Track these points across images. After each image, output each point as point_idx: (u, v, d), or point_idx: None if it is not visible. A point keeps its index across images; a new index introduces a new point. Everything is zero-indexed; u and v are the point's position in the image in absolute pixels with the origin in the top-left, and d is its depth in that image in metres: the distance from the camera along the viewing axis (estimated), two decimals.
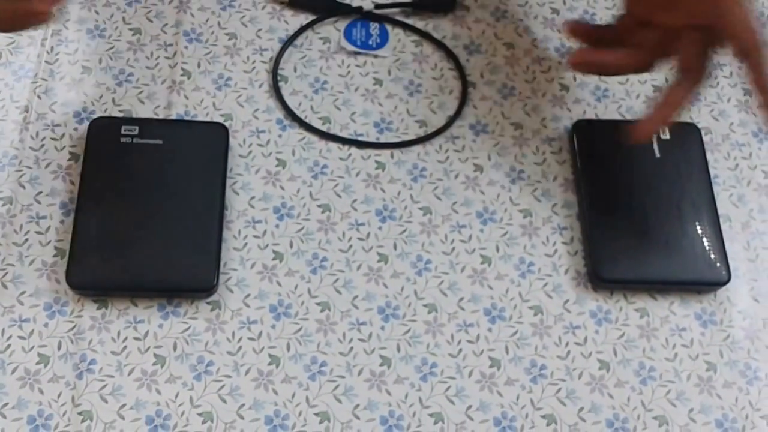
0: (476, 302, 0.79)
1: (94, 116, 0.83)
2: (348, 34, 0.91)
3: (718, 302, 0.81)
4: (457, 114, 0.88)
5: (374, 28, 0.91)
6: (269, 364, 0.76)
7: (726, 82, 0.93)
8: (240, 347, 0.76)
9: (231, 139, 0.84)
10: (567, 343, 0.79)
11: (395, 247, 0.81)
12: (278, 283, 0.79)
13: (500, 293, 0.80)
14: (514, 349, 0.78)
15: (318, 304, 0.78)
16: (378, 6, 0.93)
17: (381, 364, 0.76)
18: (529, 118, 0.89)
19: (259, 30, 0.90)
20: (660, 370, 0.78)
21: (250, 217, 0.81)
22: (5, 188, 0.81)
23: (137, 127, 0.80)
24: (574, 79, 0.91)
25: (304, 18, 0.92)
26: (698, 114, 0.90)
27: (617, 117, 0.90)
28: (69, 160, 0.82)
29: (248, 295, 0.79)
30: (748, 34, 0.71)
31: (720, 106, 0.91)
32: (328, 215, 0.82)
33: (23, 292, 0.77)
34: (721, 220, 0.83)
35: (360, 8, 0.92)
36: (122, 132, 0.80)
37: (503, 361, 0.78)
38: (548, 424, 0.75)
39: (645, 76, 0.91)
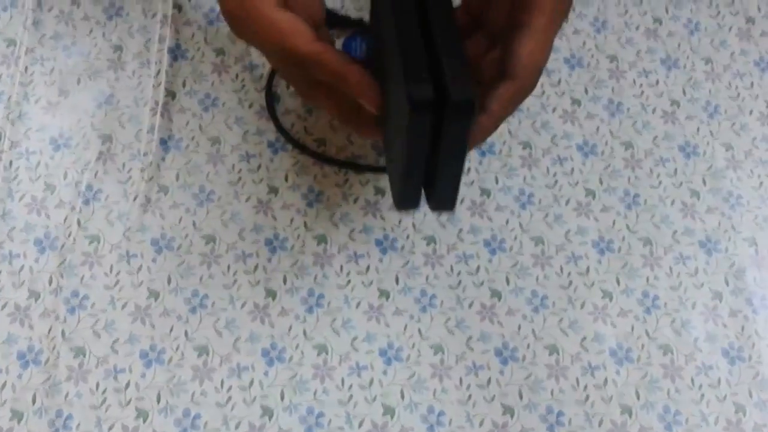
0: (486, 341, 0.73)
1: (72, 142, 0.77)
2: (347, 49, 0.84)
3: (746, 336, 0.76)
4: None
5: None
6: (261, 416, 0.70)
7: (747, 94, 0.86)
8: (229, 398, 0.71)
9: (219, 164, 0.78)
10: (585, 386, 0.73)
11: (397, 281, 0.75)
12: (270, 324, 0.73)
13: (512, 331, 0.74)
14: (529, 395, 0.72)
15: (314, 347, 0.73)
16: None
17: (384, 414, 0.71)
18: (539, 136, 0.82)
19: (250, 45, 0.84)
20: (686, 414, 0.73)
21: (240, 251, 0.75)
22: None
23: None
24: (586, 92, 0.85)
25: None
26: (718, 129, 0.84)
27: (632, 132, 0.83)
28: (44, 190, 0.75)
29: (239, 339, 0.73)
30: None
31: (741, 119, 0.85)
32: (324, 247, 0.76)
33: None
34: (747, 245, 0.78)
35: (360, 20, 0.85)
36: None
37: (517, 408, 0.72)
38: None
39: (661, 87, 0.85)
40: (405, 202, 0.61)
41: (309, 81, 0.64)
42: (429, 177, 0.58)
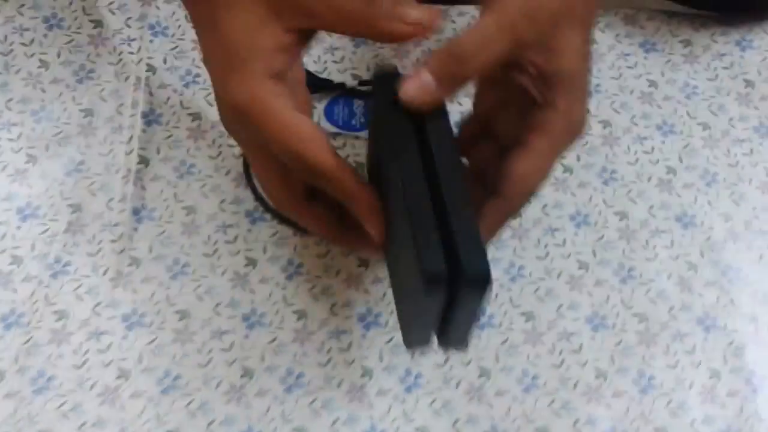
0: (474, 424, 0.70)
1: (40, 212, 0.74)
2: (329, 113, 0.81)
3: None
4: None
5: (358, 105, 0.82)
6: None
7: (746, 161, 0.83)
8: None
9: (194, 235, 0.74)
10: None
11: (381, 359, 0.72)
12: (247, 406, 0.69)
13: (501, 413, 0.71)
14: None
15: (293, 430, 0.70)
16: (362, 82, 0.84)
17: None
18: (529, 205, 0.79)
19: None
20: None
21: (216, 327, 0.71)
22: None
23: None
24: (578, 159, 0.81)
25: None
26: (717, 198, 0.82)
27: (626, 202, 0.80)
28: (10, 264, 0.72)
29: (213, 422, 0.69)
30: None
31: (740, 188, 0.83)
32: (304, 322, 0.73)
33: None
34: (746, 321, 0.76)
35: (342, 84, 0.82)
36: None
37: None
38: None
39: (657, 154, 0.83)
40: (416, 344, 0.60)
41: (308, 191, 0.61)
42: (442, 320, 0.55)
